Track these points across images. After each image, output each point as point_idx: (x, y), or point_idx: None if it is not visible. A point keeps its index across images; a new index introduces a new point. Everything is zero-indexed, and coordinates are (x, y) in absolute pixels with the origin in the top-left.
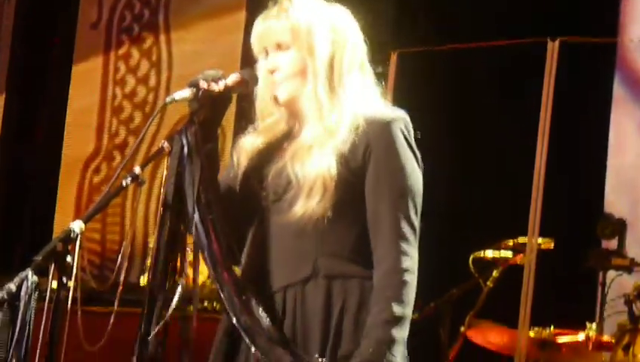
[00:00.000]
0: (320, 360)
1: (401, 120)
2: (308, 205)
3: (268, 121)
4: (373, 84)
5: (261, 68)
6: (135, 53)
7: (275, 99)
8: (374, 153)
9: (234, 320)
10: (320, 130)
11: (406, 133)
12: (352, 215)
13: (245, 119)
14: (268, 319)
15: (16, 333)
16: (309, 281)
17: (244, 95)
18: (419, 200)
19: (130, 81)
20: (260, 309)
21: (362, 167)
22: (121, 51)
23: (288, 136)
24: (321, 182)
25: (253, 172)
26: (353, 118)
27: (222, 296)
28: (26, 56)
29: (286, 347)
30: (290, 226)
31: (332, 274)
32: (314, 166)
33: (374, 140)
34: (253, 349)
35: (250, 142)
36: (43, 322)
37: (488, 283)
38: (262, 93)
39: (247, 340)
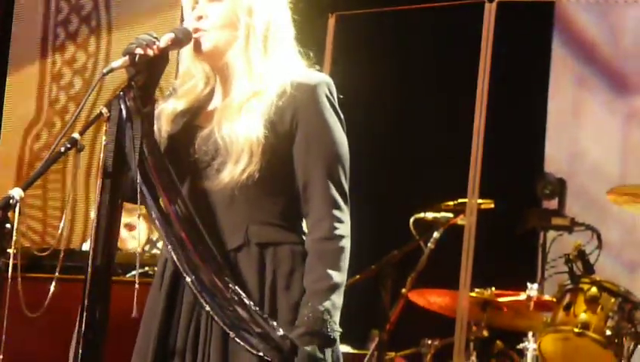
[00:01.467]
0: (280, 330)
1: (324, 84)
2: (235, 171)
3: (188, 83)
4: (299, 56)
5: (188, 18)
6: (74, 19)
7: (197, 47)
8: (302, 119)
9: (188, 279)
10: (248, 91)
11: (331, 97)
12: (281, 181)
13: None
14: (227, 278)
15: None
16: (241, 249)
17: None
18: (347, 164)
19: (70, 48)
20: (219, 268)
21: (289, 132)
22: (60, 17)
23: (211, 98)
24: (249, 147)
25: (178, 137)
26: (281, 83)
27: (175, 254)
28: None
29: (245, 307)
30: (220, 193)
31: (263, 241)
32: (242, 130)
33: (301, 106)
34: (207, 308)
35: (172, 107)
36: None
37: (429, 244)
38: (186, 51)
39: (202, 299)
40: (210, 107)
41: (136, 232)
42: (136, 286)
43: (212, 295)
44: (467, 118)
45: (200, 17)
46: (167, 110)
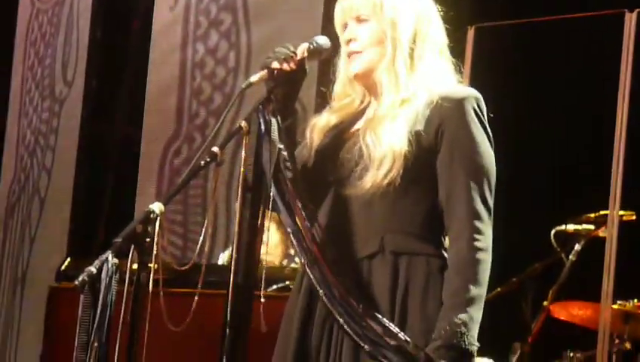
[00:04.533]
0: (410, 342)
1: (473, 98)
2: (377, 176)
3: (345, 100)
4: (450, 68)
5: (341, 42)
6: (214, 35)
7: (351, 70)
8: (447, 131)
9: (321, 292)
10: (395, 103)
11: (479, 111)
12: (422, 191)
13: (324, 99)
14: (359, 292)
15: (98, 316)
16: (375, 257)
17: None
18: (493, 179)
19: (210, 63)
20: (351, 283)
21: (434, 145)
22: (199, 33)
23: (363, 112)
24: (392, 154)
25: (327, 149)
26: (428, 94)
27: (309, 269)
28: (104, 39)
29: (377, 321)
30: (359, 199)
31: (399, 250)
32: (385, 137)
33: (447, 118)
34: (341, 321)
35: (325, 120)
36: (123, 304)
37: (571, 256)
38: (340, 73)
39: (335, 312)
40: (360, 120)
41: (265, 238)
42: (262, 300)
43: (345, 308)
44: (608, 129)
45: (350, 40)
46: (320, 123)
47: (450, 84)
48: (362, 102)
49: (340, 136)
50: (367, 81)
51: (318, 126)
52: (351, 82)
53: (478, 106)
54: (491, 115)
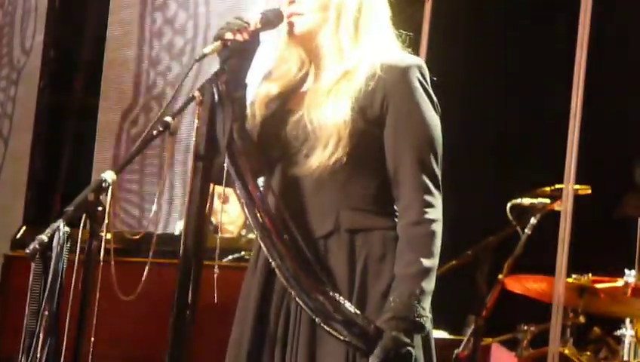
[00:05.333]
0: (360, 314)
1: (415, 67)
2: (323, 156)
3: (283, 67)
4: (394, 39)
5: (282, 2)
6: (172, 5)
7: (291, 31)
8: (392, 103)
9: (274, 265)
10: (338, 74)
11: (422, 80)
12: (371, 165)
13: None
14: (311, 265)
15: (49, 284)
16: (331, 236)
17: None
18: (439, 148)
19: (168, 33)
20: (304, 254)
21: (380, 117)
22: (158, 2)
23: (304, 81)
24: (337, 132)
25: (270, 122)
26: (371, 66)
27: (262, 241)
28: (62, 8)
29: (327, 296)
30: (309, 179)
31: (354, 227)
32: (330, 114)
33: (392, 90)
34: (293, 293)
35: (265, 92)
36: (74, 272)
37: (526, 230)
38: (280, 35)
39: (288, 285)
40: (302, 90)
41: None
42: (216, 270)
43: (296, 281)
44: (564, 102)
45: (292, 1)
46: (260, 94)
47: (393, 53)
48: (301, 69)
49: (283, 107)
50: (307, 45)
51: (259, 97)
52: (289, 46)
53: (422, 74)
54: (435, 79)
